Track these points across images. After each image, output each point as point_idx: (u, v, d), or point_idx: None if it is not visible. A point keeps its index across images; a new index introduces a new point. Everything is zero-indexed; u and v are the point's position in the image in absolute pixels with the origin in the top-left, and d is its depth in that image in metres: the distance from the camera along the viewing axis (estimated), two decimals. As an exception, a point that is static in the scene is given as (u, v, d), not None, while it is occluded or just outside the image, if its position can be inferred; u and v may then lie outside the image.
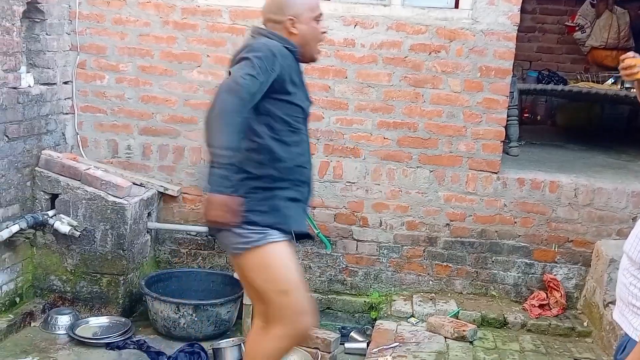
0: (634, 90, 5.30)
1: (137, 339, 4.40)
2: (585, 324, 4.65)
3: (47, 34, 4.72)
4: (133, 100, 5.07)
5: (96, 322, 4.59)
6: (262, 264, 2.93)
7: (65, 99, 5.01)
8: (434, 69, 4.82)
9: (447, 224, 4.98)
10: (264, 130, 2.91)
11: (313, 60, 3.22)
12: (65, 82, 5.00)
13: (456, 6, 4.86)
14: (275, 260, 2.94)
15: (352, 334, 4.73)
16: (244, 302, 4.60)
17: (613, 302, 4.32)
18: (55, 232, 4.60)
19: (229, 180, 2.69)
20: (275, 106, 2.91)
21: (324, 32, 3.24)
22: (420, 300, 4.86)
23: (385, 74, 4.86)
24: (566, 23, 7.42)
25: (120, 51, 5.02)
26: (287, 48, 2.93)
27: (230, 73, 2.86)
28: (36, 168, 4.68)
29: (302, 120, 3.06)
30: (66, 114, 5.05)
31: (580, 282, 4.88)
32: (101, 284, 4.70)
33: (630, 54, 3.40)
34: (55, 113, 4.91)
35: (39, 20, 4.65)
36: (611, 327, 4.22)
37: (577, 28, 7.18)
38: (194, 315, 4.51)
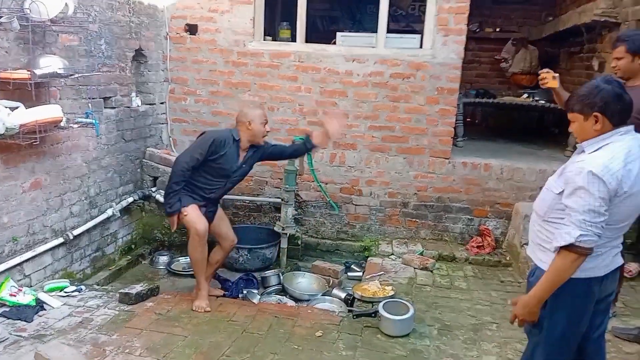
0: (542, 101, 5.41)
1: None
2: (507, 258, 4.64)
3: (148, 71, 4.83)
4: (206, 114, 5.16)
5: (185, 261, 4.67)
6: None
7: (161, 114, 5.14)
8: (406, 90, 4.83)
9: (415, 193, 5.00)
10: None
11: (259, 144, 3.72)
12: (162, 103, 5.12)
13: (421, 47, 4.85)
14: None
15: (352, 266, 4.77)
16: (281, 246, 4.74)
17: (527, 243, 4.39)
18: (157, 202, 4.77)
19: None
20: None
21: (268, 131, 3.70)
22: (398, 244, 4.87)
23: (373, 94, 4.89)
24: (495, 57, 7.33)
25: (197, 81, 5.11)
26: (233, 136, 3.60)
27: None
28: (143, 160, 4.82)
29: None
30: (162, 123, 5.17)
31: (504, 230, 4.89)
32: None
33: (545, 69, 3.50)
34: (155, 123, 5.04)
35: (143, 62, 4.76)
36: (525, 260, 4.22)
37: (502, 60, 7.11)
38: (248, 255, 4.61)
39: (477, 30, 7.28)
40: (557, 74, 3.45)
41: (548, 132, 6.73)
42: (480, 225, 4.92)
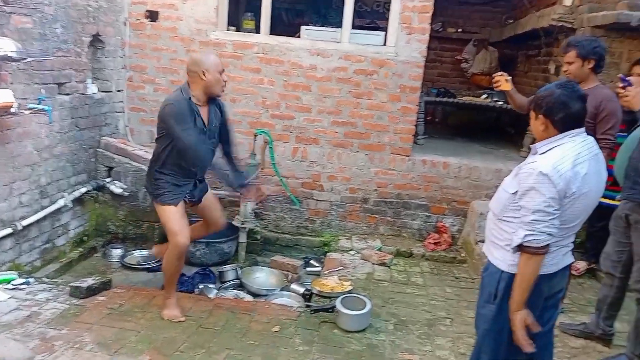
0: (499, 102, 5.56)
1: None
2: (462, 255, 4.74)
3: (106, 57, 4.69)
4: None
5: (139, 254, 4.61)
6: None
7: (118, 102, 5.00)
8: (369, 86, 4.86)
9: (375, 189, 5.04)
10: None
11: (219, 95, 3.31)
12: (119, 90, 4.98)
13: (385, 44, 4.87)
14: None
15: (311, 261, 4.75)
16: (239, 241, 4.70)
17: (482, 241, 4.45)
18: (111, 193, 4.65)
19: None
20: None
21: (225, 82, 3.29)
22: (357, 239, 4.90)
23: (336, 89, 4.89)
24: (457, 57, 7.42)
25: (157, 70, 5.01)
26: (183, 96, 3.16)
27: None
28: (98, 149, 4.68)
29: None
30: (119, 112, 5.03)
31: (461, 227, 4.99)
32: (142, 228, 4.75)
33: (499, 72, 3.62)
34: (111, 111, 4.90)
35: (100, 47, 4.62)
36: (479, 257, 4.34)
37: (463, 61, 7.23)
38: (205, 249, 4.55)
39: (440, 29, 7.38)
40: (509, 77, 3.56)
41: (505, 132, 6.90)
42: (437, 222, 5.01)
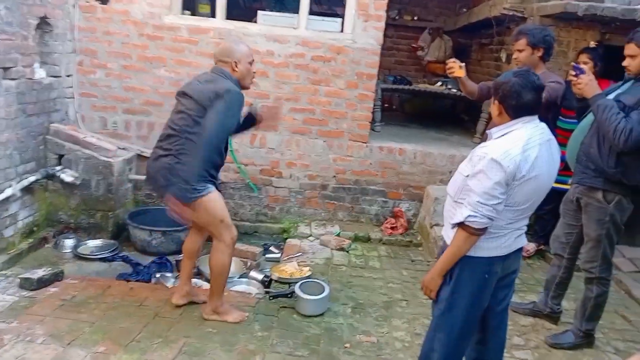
0: (454, 90, 5.66)
1: (122, 254, 4.34)
2: (418, 238, 4.85)
3: (54, 41, 4.50)
4: (117, 89, 4.90)
5: (93, 244, 4.48)
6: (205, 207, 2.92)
7: (68, 87, 4.80)
8: (327, 73, 4.86)
9: (334, 176, 5.06)
10: None
11: (247, 88, 3.12)
12: (68, 75, 4.78)
13: (342, 31, 4.88)
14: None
15: (270, 248, 4.75)
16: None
17: (437, 225, 4.54)
18: (62, 181, 4.46)
19: None
20: None
21: (255, 72, 3.14)
22: (316, 226, 4.93)
23: (294, 75, 4.87)
24: (412, 45, 7.50)
25: (108, 54, 4.84)
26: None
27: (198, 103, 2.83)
28: (47, 136, 4.48)
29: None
30: (69, 98, 4.84)
31: (416, 212, 5.08)
32: (96, 217, 4.60)
33: (452, 59, 3.69)
34: (61, 97, 4.70)
35: (48, 31, 4.41)
36: (434, 241, 4.45)
37: (419, 48, 7.30)
38: (162, 238, 4.47)
39: (396, 17, 7.44)
40: (463, 64, 3.63)
41: (459, 119, 7.06)
42: (394, 207, 5.08)
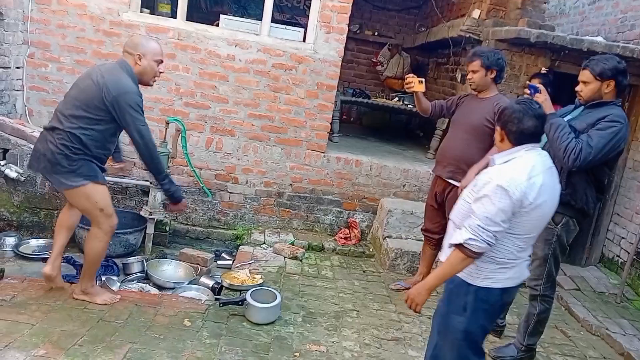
0: (410, 106, 5.80)
1: (65, 255, 4.10)
2: (371, 249, 4.90)
3: (4, 30, 4.32)
4: (69, 84, 4.65)
5: (36, 243, 4.33)
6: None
7: (17, 79, 4.63)
8: (288, 81, 4.87)
9: (290, 184, 5.07)
10: None
11: (147, 85, 3.19)
12: (18, 67, 4.61)
13: (304, 40, 4.92)
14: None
15: (222, 254, 4.71)
16: (147, 232, 4.50)
17: (389, 237, 4.65)
18: (6, 177, 4.28)
19: None
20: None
21: (161, 72, 3.19)
22: (270, 233, 4.90)
23: (255, 81, 4.86)
24: (372, 60, 7.64)
25: (61, 48, 4.69)
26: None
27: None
28: (-9, 129, 4.34)
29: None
30: (17, 90, 4.66)
31: (370, 223, 5.14)
32: (40, 215, 4.45)
33: (411, 74, 3.80)
34: (8, 89, 4.52)
35: (-3, 19, 4.27)
36: (386, 252, 4.54)
37: (378, 63, 7.45)
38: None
39: (358, 31, 7.58)
40: (423, 79, 3.73)
41: (414, 135, 7.23)
42: (349, 218, 5.14)
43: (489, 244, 2.12)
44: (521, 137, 2.24)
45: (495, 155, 2.33)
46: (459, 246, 2.15)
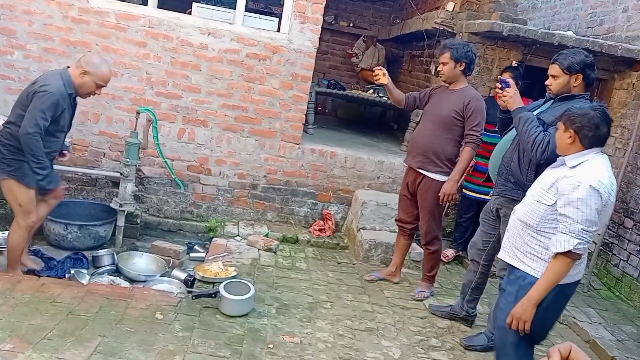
0: (385, 98, 5.84)
1: (33, 248, 4.11)
2: (345, 241, 4.93)
3: (-35, 14, 4.22)
4: (36, 72, 4.52)
5: (2, 236, 4.17)
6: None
7: (-21, 66, 4.51)
8: (262, 71, 4.84)
9: (264, 176, 5.05)
10: None
11: (82, 97, 3.52)
12: (-20, 53, 4.50)
13: (278, 30, 4.88)
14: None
15: (195, 247, 4.68)
16: (117, 224, 4.43)
17: (363, 228, 4.69)
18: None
19: None
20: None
21: (96, 94, 3.53)
22: (244, 225, 4.88)
23: (228, 71, 4.81)
24: (347, 51, 7.63)
25: (28, 35, 4.55)
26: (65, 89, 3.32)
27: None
28: (-48, 117, 4.21)
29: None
30: (-20, 78, 4.54)
31: (344, 215, 5.17)
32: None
33: (378, 67, 3.91)
34: (-30, 76, 4.41)
35: (-42, 2, 4.14)
36: (360, 243, 4.59)
37: (353, 55, 7.44)
38: (78, 232, 4.29)
39: (333, 22, 7.57)
40: (386, 72, 3.85)
41: (388, 127, 7.29)
42: (323, 210, 5.15)
43: (588, 242, 2.28)
44: (595, 142, 2.38)
45: (566, 157, 2.42)
46: (566, 253, 2.26)
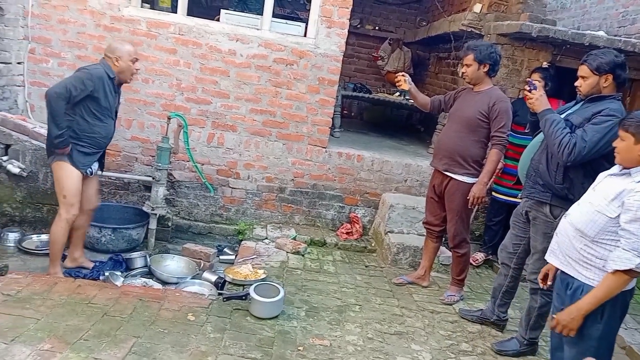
0: (411, 100, 5.82)
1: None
2: (372, 244, 4.91)
3: (5, 26, 4.34)
4: None
5: (38, 239, 4.36)
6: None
7: (18, 75, 4.64)
8: (289, 76, 4.88)
9: (292, 179, 5.08)
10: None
11: (128, 82, 3.74)
12: (19, 63, 4.63)
13: (305, 35, 4.92)
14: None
15: (225, 249, 4.74)
16: (149, 227, 4.53)
17: (391, 232, 4.68)
18: (8, 172, 4.31)
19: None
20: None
21: (137, 70, 3.73)
22: (272, 228, 4.92)
23: (256, 76, 4.87)
24: (373, 54, 7.62)
25: (62, 43, 4.70)
26: (107, 73, 3.52)
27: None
28: (-7, 124, 4.35)
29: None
30: (19, 86, 4.68)
31: (372, 218, 5.16)
32: (43, 211, 4.46)
33: (401, 73, 3.92)
34: (10, 85, 4.55)
35: (-2, 14, 4.28)
36: (388, 247, 4.57)
37: (379, 58, 7.43)
38: (112, 235, 4.37)
39: (358, 26, 7.57)
40: (408, 77, 3.88)
41: (415, 130, 7.24)
42: (350, 213, 5.15)
43: None
44: None
45: (632, 169, 2.29)
46: (627, 271, 2.19)
